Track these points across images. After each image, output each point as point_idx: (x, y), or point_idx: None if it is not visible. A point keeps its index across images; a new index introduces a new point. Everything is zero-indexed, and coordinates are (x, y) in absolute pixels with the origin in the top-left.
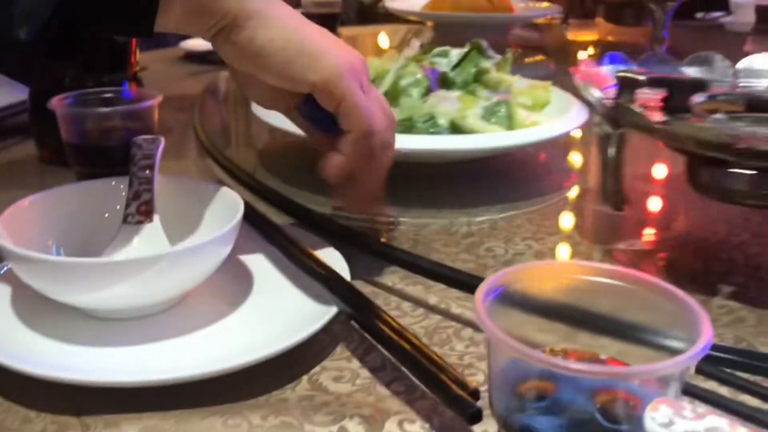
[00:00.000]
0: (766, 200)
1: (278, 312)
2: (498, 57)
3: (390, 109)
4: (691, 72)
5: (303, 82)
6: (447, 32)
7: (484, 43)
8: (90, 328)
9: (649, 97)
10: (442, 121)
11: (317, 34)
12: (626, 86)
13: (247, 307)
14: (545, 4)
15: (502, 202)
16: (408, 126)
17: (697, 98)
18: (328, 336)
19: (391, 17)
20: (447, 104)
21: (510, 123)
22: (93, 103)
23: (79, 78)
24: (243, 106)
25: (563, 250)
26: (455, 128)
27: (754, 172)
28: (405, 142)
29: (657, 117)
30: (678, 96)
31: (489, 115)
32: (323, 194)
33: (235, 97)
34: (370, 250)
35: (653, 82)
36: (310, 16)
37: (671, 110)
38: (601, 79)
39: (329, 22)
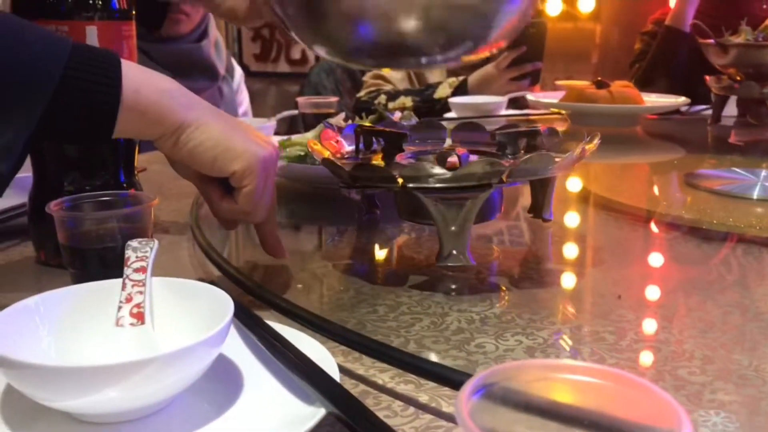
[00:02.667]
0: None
1: (265, 415)
2: None
3: (271, 199)
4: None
5: (226, 172)
6: (582, 122)
7: None
8: (78, 431)
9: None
10: None
11: (242, 134)
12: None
13: (234, 411)
14: (680, 99)
15: (493, 295)
16: None
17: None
18: None
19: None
20: None
21: None
22: (90, 207)
23: (78, 182)
24: None
25: (552, 346)
26: None
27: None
28: None
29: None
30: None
31: None
32: (314, 292)
33: None
34: (361, 349)
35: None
36: (306, 117)
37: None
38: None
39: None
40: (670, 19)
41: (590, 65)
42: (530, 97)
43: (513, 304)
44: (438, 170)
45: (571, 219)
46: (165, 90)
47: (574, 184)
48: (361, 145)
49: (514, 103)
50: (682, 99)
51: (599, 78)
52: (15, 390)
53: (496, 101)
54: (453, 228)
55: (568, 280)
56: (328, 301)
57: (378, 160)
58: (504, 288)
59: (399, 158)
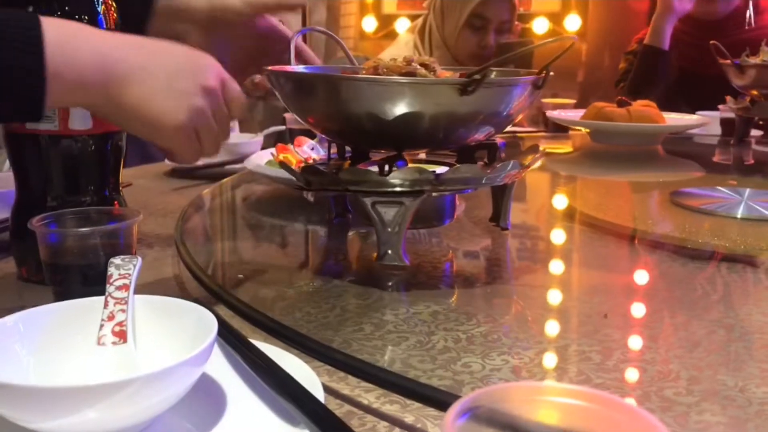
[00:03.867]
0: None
1: None
2: None
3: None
4: None
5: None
6: (602, 139)
7: None
8: None
9: None
10: None
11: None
12: None
13: (217, 431)
14: (696, 117)
15: (479, 313)
16: None
17: None
18: None
19: None
20: None
21: None
22: (73, 223)
23: (62, 198)
24: (228, 220)
25: (539, 366)
26: None
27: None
28: None
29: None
30: None
31: None
32: (299, 310)
33: (220, 212)
34: (346, 368)
35: None
36: (293, 132)
37: None
38: None
39: None
40: (648, 37)
41: (576, 83)
42: (550, 114)
43: (499, 323)
44: (375, 176)
45: (558, 236)
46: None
47: (560, 201)
48: (333, 154)
49: (536, 119)
50: (698, 118)
51: (621, 97)
52: None
53: None
54: (389, 229)
55: (555, 299)
56: (314, 320)
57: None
58: (490, 307)
59: (362, 165)
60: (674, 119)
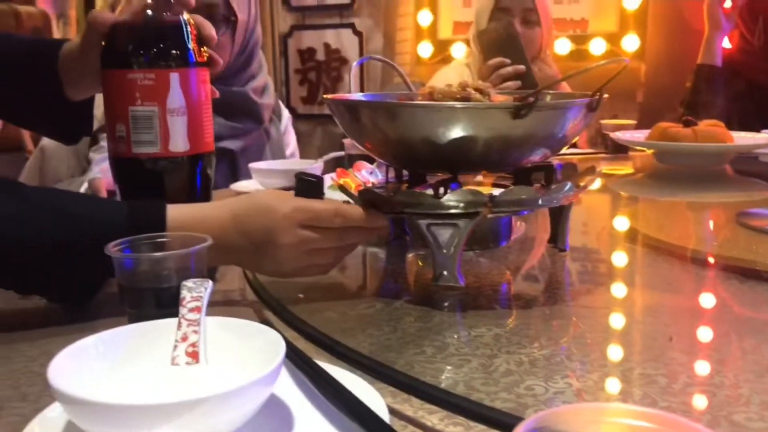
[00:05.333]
0: None
1: None
2: None
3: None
4: None
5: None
6: (667, 160)
7: None
8: None
9: None
10: None
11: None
12: None
13: None
14: (765, 136)
15: (541, 336)
16: None
17: None
18: None
19: None
20: None
21: None
22: (147, 248)
23: None
24: None
25: (602, 389)
26: None
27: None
28: None
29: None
30: None
31: None
32: (361, 332)
33: None
34: (409, 389)
35: None
36: (352, 157)
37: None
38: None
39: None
40: (701, 56)
41: (635, 104)
42: (615, 135)
43: (561, 346)
44: (430, 198)
45: (619, 258)
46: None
47: (622, 222)
48: (391, 177)
49: (595, 141)
50: (767, 137)
51: (687, 117)
52: (76, 427)
53: None
54: (444, 251)
55: (617, 321)
56: (376, 342)
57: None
58: (551, 329)
59: (418, 188)
60: (742, 138)
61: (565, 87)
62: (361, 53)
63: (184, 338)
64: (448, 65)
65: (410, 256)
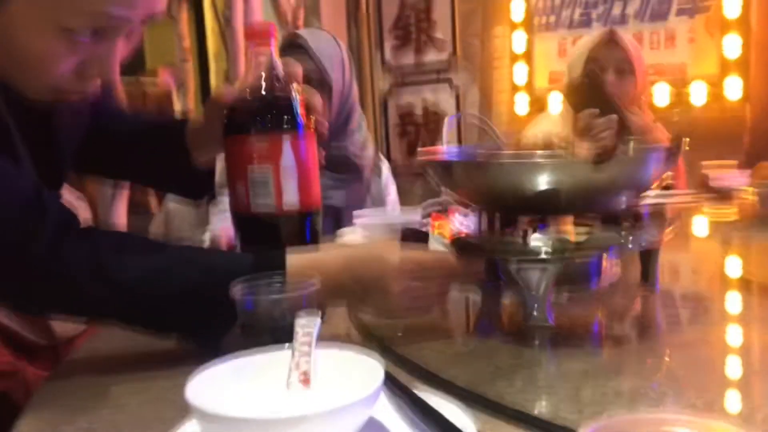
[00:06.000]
0: None
1: None
2: None
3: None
4: None
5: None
6: None
7: None
8: None
9: None
10: None
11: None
12: None
13: None
14: None
15: (627, 371)
16: None
17: None
18: None
19: None
20: None
21: None
22: (264, 290)
23: None
24: None
25: None
26: None
27: None
28: None
29: None
30: None
31: None
32: (456, 366)
33: None
34: (498, 412)
35: None
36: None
37: None
38: None
39: None
40: None
41: (741, 147)
42: (714, 181)
43: (649, 381)
44: (519, 242)
45: (713, 298)
46: None
47: (718, 264)
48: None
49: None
50: None
51: None
52: None
53: None
54: (533, 292)
55: (734, 367)
56: (470, 374)
57: None
58: (640, 365)
59: (509, 231)
60: None
61: (662, 131)
62: (458, 108)
63: (297, 366)
64: (542, 114)
65: (503, 297)
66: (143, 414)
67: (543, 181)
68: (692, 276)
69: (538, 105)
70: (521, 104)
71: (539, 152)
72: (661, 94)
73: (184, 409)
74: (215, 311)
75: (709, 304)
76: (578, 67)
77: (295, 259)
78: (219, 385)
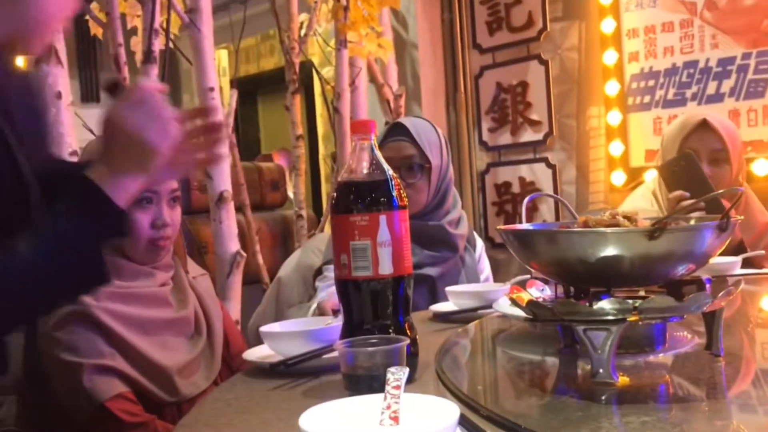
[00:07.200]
0: None
1: None
2: None
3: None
4: None
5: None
6: None
7: None
8: None
9: None
10: None
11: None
12: None
13: None
14: None
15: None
16: None
17: None
18: None
19: None
20: None
21: None
22: (362, 345)
23: (372, 323)
24: (477, 351)
25: None
26: None
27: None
28: None
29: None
30: None
31: None
32: (529, 418)
33: (471, 345)
34: None
35: None
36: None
37: None
38: None
39: None
40: None
41: None
42: None
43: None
44: (585, 307)
45: None
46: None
47: None
48: (560, 294)
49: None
50: None
51: None
52: None
53: (727, 262)
54: (599, 351)
55: None
56: (542, 424)
57: None
58: (700, 422)
59: (582, 302)
60: None
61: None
62: (554, 184)
63: (389, 407)
64: (635, 191)
65: (579, 361)
66: None
67: (604, 251)
68: (760, 340)
69: (635, 181)
70: (618, 181)
71: (604, 227)
72: (760, 170)
73: None
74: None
75: None
76: (672, 152)
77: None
78: (326, 421)
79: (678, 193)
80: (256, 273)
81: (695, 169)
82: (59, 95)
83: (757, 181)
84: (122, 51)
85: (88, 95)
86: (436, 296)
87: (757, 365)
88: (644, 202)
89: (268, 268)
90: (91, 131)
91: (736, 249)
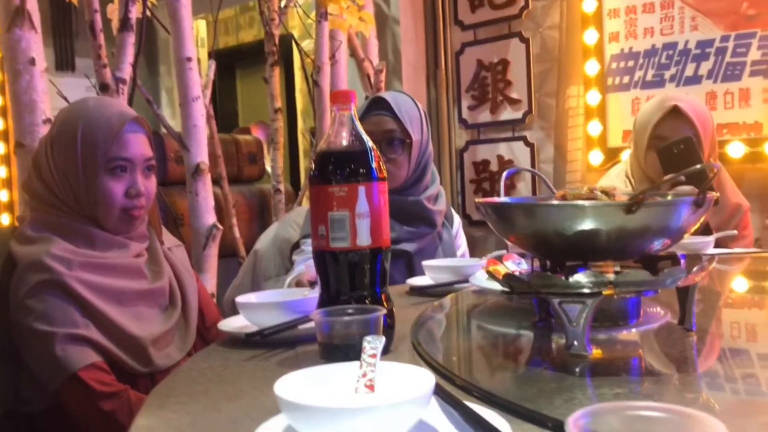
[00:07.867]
0: None
1: None
2: None
3: None
4: None
5: None
6: None
7: None
8: None
9: None
10: None
11: None
12: None
13: None
14: None
15: (658, 396)
16: None
17: None
18: None
19: None
20: None
21: None
22: (338, 315)
23: (348, 294)
24: (452, 322)
25: None
26: None
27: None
28: None
29: None
30: None
31: None
32: (504, 388)
33: (446, 317)
34: (532, 419)
35: None
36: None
37: None
38: None
39: None
40: None
41: None
42: None
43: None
44: (560, 280)
45: (751, 337)
46: None
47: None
48: (537, 267)
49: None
50: None
51: None
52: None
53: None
54: (574, 324)
55: (747, 395)
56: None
57: None
58: (671, 393)
59: (558, 275)
60: None
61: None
62: (532, 163)
63: (364, 375)
64: (610, 170)
65: (553, 335)
66: (236, 415)
67: (582, 224)
68: (731, 318)
69: (612, 161)
70: (595, 160)
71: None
72: (735, 153)
73: (270, 412)
74: None
75: (745, 344)
76: (643, 140)
77: None
78: (301, 388)
79: (670, 176)
80: (232, 246)
81: (694, 152)
82: (32, 61)
83: (732, 162)
84: (98, 18)
85: (63, 64)
86: (414, 271)
87: (724, 341)
88: (618, 182)
89: (244, 241)
90: (65, 99)
91: (703, 231)
